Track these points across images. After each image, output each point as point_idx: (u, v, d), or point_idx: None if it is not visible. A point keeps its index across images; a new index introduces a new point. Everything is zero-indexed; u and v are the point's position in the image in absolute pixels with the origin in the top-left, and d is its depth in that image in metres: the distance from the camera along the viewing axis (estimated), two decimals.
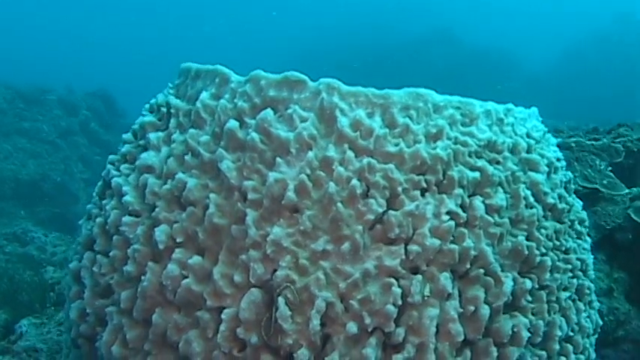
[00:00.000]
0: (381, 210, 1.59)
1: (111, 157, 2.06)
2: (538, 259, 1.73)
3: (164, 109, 1.94)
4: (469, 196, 1.70)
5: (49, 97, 11.16)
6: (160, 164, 1.81)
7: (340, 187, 1.60)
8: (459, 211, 1.65)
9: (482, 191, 1.72)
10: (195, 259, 1.62)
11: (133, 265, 1.70)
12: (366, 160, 1.63)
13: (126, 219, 1.75)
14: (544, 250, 1.75)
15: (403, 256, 1.58)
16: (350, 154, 1.64)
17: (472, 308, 1.61)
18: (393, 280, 1.56)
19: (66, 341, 2.11)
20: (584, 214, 2.01)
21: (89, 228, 1.94)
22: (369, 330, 1.54)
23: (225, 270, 1.60)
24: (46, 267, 5.26)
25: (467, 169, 1.70)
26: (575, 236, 1.92)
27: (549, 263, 1.74)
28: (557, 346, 1.75)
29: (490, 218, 1.68)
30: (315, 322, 1.51)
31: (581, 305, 1.86)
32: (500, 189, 1.73)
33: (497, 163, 1.77)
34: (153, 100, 2.06)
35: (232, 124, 1.70)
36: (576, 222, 1.94)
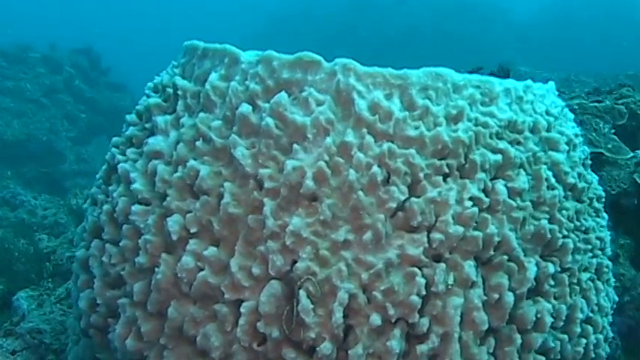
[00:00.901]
0: (402, 197, 1.54)
1: (115, 139, 1.98)
2: (560, 241, 1.70)
3: (170, 90, 1.85)
4: (491, 180, 1.65)
5: (31, 55, 10.91)
6: (169, 150, 1.74)
7: (360, 174, 1.55)
8: (482, 196, 1.60)
9: (504, 174, 1.67)
10: (211, 251, 1.57)
11: (144, 257, 1.64)
12: (386, 145, 1.57)
13: (135, 208, 1.69)
14: (566, 232, 1.72)
15: (426, 245, 1.54)
16: (369, 138, 1.57)
17: (496, 296, 1.57)
18: (416, 270, 1.52)
19: (73, 328, 2.07)
20: (601, 191, 1.97)
21: (96, 215, 1.87)
22: (393, 321, 1.51)
23: (243, 261, 1.55)
24: (40, 234, 5.19)
25: (488, 152, 1.65)
26: (594, 214, 1.88)
27: (571, 245, 1.71)
28: (578, 329, 1.73)
29: (513, 202, 1.64)
30: (338, 315, 1.48)
31: (600, 285, 1.84)
32: (522, 171, 1.68)
33: (518, 143, 1.72)
34: (157, 80, 1.98)
35: (245, 108, 1.62)
36: (595, 199, 1.90)
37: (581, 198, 1.83)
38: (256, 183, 1.59)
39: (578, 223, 1.78)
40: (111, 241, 1.78)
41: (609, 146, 3.29)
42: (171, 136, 1.75)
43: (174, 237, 1.60)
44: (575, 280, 1.74)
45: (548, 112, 1.82)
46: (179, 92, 1.79)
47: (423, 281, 1.51)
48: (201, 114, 1.70)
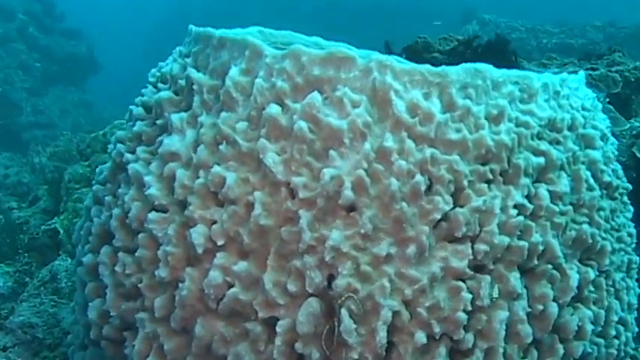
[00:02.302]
0: (447, 208, 1.45)
1: (120, 133, 1.83)
2: (599, 245, 1.64)
3: (182, 83, 1.70)
4: (533, 184, 1.57)
5: None
6: (187, 151, 1.60)
7: (401, 183, 1.45)
8: (526, 202, 1.53)
9: (545, 177, 1.59)
10: (242, 266, 1.46)
11: (165, 270, 1.53)
12: (428, 150, 1.47)
13: (153, 215, 1.56)
14: (604, 235, 1.67)
15: (470, 256, 1.47)
16: (410, 143, 1.47)
17: (540, 307, 1.52)
18: (461, 284, 1.45)
19: (77, 332, 1.95)
20: (626, 182, 1.91)
21: (104, 218, 1.74)
22: (437, 338, 1.44)
23: (277, 277, 1.45)
24: (9, 202, 4.96)
25: (531, 155, 1.56)
26: (624, 209, 1.83)
27: (609, 248, 1.66)
28: (613, 331, 1.70)
29: (555, 207, 1.57)
30: (382, 335, 1.40)
31: (630, 282, 1.81)
32: (563, 173, 1.60)
33: (558, 143, 1.64)
34: (165, 69, 1.82)
35: (274, 109, 1.49)
36: (624, 194, 1.85)
37: (614, 195, 1.78)
38: (288, 191, 1.48)
39: (613, 223, 1.73)
40: (124, 249, 1.65)
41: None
42: (188, 136, 1.61)
43: (200, 250, 1.49)
44: (610, 282, 1.70)
45: (584, 107, 1.74)
46: (195, 87, 1.64)
47: (469, 296, 1.44)
48: (224, 113, 1.56)
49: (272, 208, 1.48)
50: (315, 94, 1.48)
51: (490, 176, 1.50)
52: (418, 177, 1.44)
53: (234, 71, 1.58)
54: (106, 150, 4.35)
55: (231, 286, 1.47)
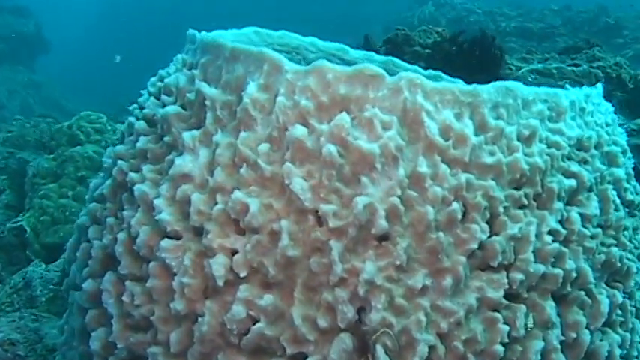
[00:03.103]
0: (484, 237, 1.39)
1: (120, 148, 1.70)
2: (626, 267, 1.61)
3: (190, 96, 1.59)
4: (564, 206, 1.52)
5: None
6: (200, 172, 1.49)
7: (436, 211, 1.38)
8: (559, 227, 1.48)
9: (575, 199, 1.55)
10: (268, 300, 1.37)
11: (181, 302, 1.42)
12: (464, 176, 1.40)
13: (165, 243, 1.45)
14: (629, 255, 1.64)
15: (506, 286, 1.41)
16: (444, 168, 1.40)
17: (573, 335, 1.48)
18: (497, 315, 1.40)
19: (70, 358, 1.83)
20: None
21: (106, 242, 1.62)
22: None
23: (306, 311, 1.37)
24: None
25: (563, 177, 1.51)
26: None
27: (634, 269, 1.63)
28: (635, 352, 1.68)
29: (586, 231, 1.53)
30: None
31: None
32: (592, 195, 1.56)
33: (585, 162, 1.59)
34: (168, 80, 1.69)
35: (300, 131, 1.40)
36: None
37: (634, 212, 1.75)
38: (315, 219, 1.39)
39: (635, 242, 1.70)
40: (131, 277, 1.54)
41: None
42: (202, 156, 1.50)
43: (220, 282, 1.39)
44: (633, 302, 1.67)
45: (606, 123, 1.70)
46: (207, 102, 1.52)
47: (506, 328, 1.38)
48: (243, 134, 1.45)
49: (298, 238, 1.39)
50: (344, 115, 1.39)
51: (525, 201, 1.44)
52: (455, 205, 1.37)
53: (252, 87, 1.47)
54: (73, 143, 4.18)
55: (254, 320, 1.38)
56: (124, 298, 1.52)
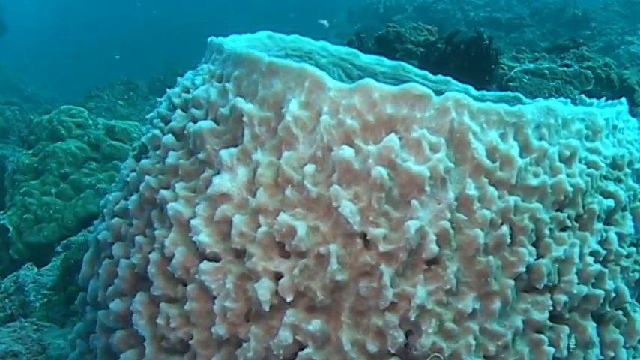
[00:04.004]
0: (532, 260, 1.39)
1: (145, 163, 1.65)
2: None
3: (224, 111, 1.54)
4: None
5: None
6: (239, 191, 1.45)
7: (485, 234, 1.37)
8: (599, 248, 1.49)
9: (612, 219, 1.56)
10: (316, 325, 1.34)
11: (223, 327, 1.39)
12: (512, 199, 1.39)
13: (205, 266, 1.41)
14: None
15: (550, 307, 1.42)
16: (492, 191, 1.39)
17: (612, 354, 1.50)
18: (543, 337, 1.40)
19: None
20: None
21: (135, 260, 1.56)
22: None
23: (354, 335, 1.35)
24: None
25: (602, 198, 1.52)
26: None
27: None
28: None
29: (622, 250, 1.54)
30: None
31: None
32: (627, 214, 1.58)
33: (619, 181, 1.60)
34: (197, 92, 1.64)
35: (348, 153, 1.37)
36: None
37: None
38: (363, 243, 1.36)
39: None
40: (165, 299, 1.49)
41: None
42: (241, 175, 1.46)
43: (266, 307, 1.35)
44: None
45: (635, 140, 1.71)
46: (245, 119, 1.48)
47: (551, 350, 1.39)
48: (286, 153, 1.41)
49: (346, 261, 1.36)
50: (393, 136, 1.37)
51: (568, 223, 1.45)
52: (504, 229, 1.37)
53: (293, 105, 1.43)
54: (54, 138, 4.05)
55: (301, 344, 1.36)
56: (159, 320, 1.47)
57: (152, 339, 1.50)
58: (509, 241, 1.37)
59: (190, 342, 1.44)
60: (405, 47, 3.73)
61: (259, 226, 1.40)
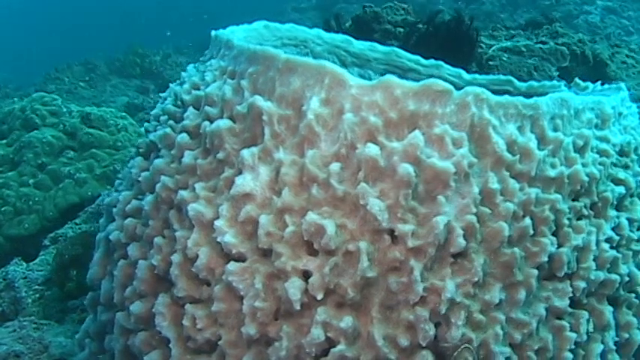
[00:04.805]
0: (554, 249, 1.43)
1: (159, 162, 1.63)
2: None
3: (241, 109, 1.52)
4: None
5: None
6: (262, 191, 1.45)
7: (509, 226, 1.40)
8: (613, 234, 1.54)
9: (622, 205, 1.61)
10: (348, 322, 1.36)
11: (253, 327, 1.40)
12: (533, 191, 1.43)
13: (232, 267, 1.41)
14: None
15: (570, 294, 1.46)
16: (513, 184, 1.42)
17: (626, 335, 1.56)
18: (565, 323, 1.45)
19: None
20: None
21: (154, 262, 1.55)
22: None
23: (385, 330, 1.38)
24: None
25: (614, 185, 1.57)
26: None
27: None
28: None
29: (633, 235, 1.60)
30: None
31: None
32: (636, 199, 1.63)
33: (627, 167, 1.65)
34: (209, 89, 1.62)
35: (373, 150, 1.38)
36: None
37: None
38: (391, 239, 1.38)
39: None
40: (189, 300, 1.49)
41: None
42: (263, 174, 1.46)
43: (297, 306, 1.37)
44: None
45: (638, 125, 1.76)
46: (264, 118, 1.47)
47: (573, 335, 1.44)
48: (310, 152, 1.42)
49: (375, 258, 1.38)
50: (418, 133, 1.38)
51: (585, 212, 1.49)
52: (527, 221, 1.40)
53: (314, 103, 1.43)
54: (28, 127, 3.95)
55: (332, 341, 1.37)
56: (185, 322, 1.47)
57: (177, 340, 1.50)
58: (532, 232, 1.40)
59: (219, 343, 1.44)
60: (383, 27, 3.73)
61: (286, 226, 1.40)
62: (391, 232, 1.38)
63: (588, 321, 1.48)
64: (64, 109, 4.05)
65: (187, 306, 1.48)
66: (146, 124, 1.93)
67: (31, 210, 3.59)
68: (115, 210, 1.77)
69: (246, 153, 1.46)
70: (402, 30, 3.67)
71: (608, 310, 1.50)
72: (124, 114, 4.27)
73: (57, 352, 2.22)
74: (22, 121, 3.93)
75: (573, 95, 1.55)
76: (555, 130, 1.50)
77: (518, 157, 1.43)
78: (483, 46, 3.60)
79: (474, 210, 1.38)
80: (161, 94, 1.89)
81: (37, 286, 2.72)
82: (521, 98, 1.47)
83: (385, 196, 1.38)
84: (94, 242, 2.41)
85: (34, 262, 2.87)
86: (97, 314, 1.84)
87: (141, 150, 1.81)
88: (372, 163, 1.38)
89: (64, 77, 9.46)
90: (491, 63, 3.39)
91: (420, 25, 3.54)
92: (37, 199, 3.60)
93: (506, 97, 1.46)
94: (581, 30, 8.81)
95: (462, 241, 1.35)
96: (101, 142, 3.89)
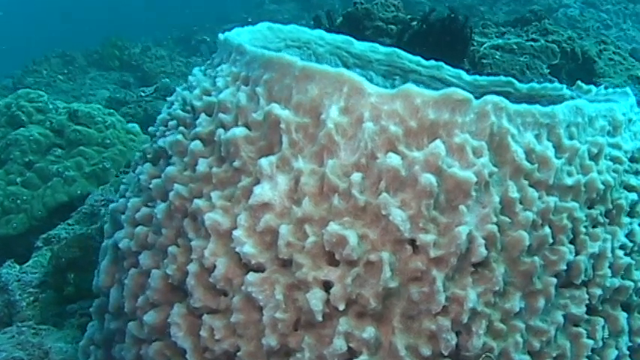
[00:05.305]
0: (572, 258, 1.44)
1: (171, 170, 1.60)
2: None
3: (256, 117, 1.51)
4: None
5: None
6: (280, 200, 1.44)
7: (529, 235, 1.41)
8: (627, 241, 1.55)
9: (634, 212, 1.62)
10: (370, 333, 1.36)
11: (274, 338, 1.39)
12: (551, 199, 1.44)
13: (252, 277, 1.40)
14: None
15: (587, 301, 1.48)
16: (532, 192, 1.43)
17: (639, 340, 1.58)
18: (582, 330, 1.47)
19: None
20: None
21: (169, 271, 1.53)
22: None
23: (407, 340, 1.38)
24: None
25: (627, 192, 1.58)
26: None
27: None
28: None
29: None
30: None
31: None
32: None
33: (638, 173, 1.67)
34: (222, 96, 1.60)
35: (395, 160, 1.37)
36: None
37: None
38: (412, 248, 1.38)
39: None
40: (206, 310, 1.48)
41: None
42: (281, 184, 1.44)
43: (319, 317, 1.36)
44: None
45: None
46: (282, 126, 1.46)
47: (590, 342, 1.46)
48: (330, 161, 1.41)
49: (396, 268, 1.38)
50: (439, 143, 1.38)
51: (600, 220, 1.50)
52: (547, 229, 1.41)
53: (333, 112, 1.42)
54: (14, 124, 3.87)
55: (354, 352, 1.37)
56: (202, 333, 1.46)
57: (193, 351, 1.48)
58: (551, 241, 1.41)
59: (238, 354, 1.43)
60: (374, 25, 3.72)
61: (306, 236, 1.39)
62: (412, 242, 1.38)
63: (604, 327, 1.50)
64: (51, 106, 3.98)
65: (205, 317, 1.46)
66: (151, 128, 1.90)
67: (19, 209, 3.53)
68: (123, 217, 1.74)
69: (264, 162, 1.44)
70: (393, 27, 3.66)
71: (622, 316, 1.52)
72: (111, 110, 4.21)
73: (58, 359, 2.19)
74: (8, 118, 3.85)
75: (587, 103, 1.56)
76: (571, 138, 1.51)
77: (536, 165, 1.44)
78: (475, 43, 3.62)
79: (495, 219, 1.38)
80: (168, 98, 1.86)
81: (31, 289, 2.68)
82: (538, 107, 1.48)
83: (407, 206, 1.38)
84: (91, 245, 2.39)
85: (28, 264, 2.82)
86: (103, 322, 1.81)
87: (149, 156, 1.78)
88: (393, 173, 1.37)
89: (42, 70, 9.30)
90: (484, 61, 3.41)
91: (414, 23, 3.54)
92: (25, 197, 3.54)
93: (524, 106, 1.47)
94: (562, 23, 8.88)
95: (483, 251, 1.36)
96: (89, 139, 3.83)
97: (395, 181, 1.38)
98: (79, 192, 3.58)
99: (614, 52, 4.17)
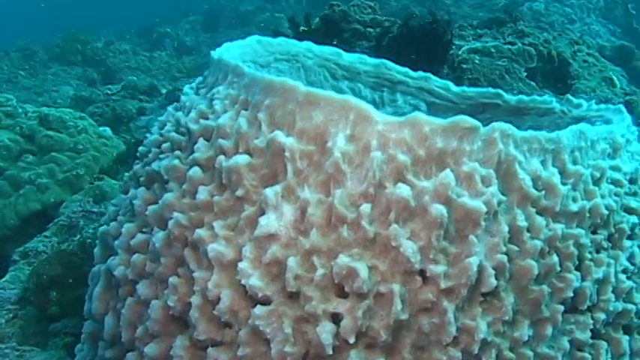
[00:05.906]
0: (578, 284, 1.45)
1: (169, 197, 1.55)
2: None
3: (258, 143, 1.47)
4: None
5: None
6: (287, 231, 1.41)
7: (537, 263, 1.41)
8: (628, 264, 1.57)
9: (634, 234, 1.64)
10: None
11: None
12: (558, 227, 1.44)
13: (260, 311, 1.37)
14: None
15: (592, 326, 1.49)
16: (540, 220, 1.43)
17: None
18: (587, 355, 1.48)
19: None
20: None
21: (171, 302, 1.49)
22: None
23: None
24: None
25: (628, 215, 1.59)
26: None
27: None
28: None
29: None
30: None
31: None
32: None
33: (635, 195, 1.68)
34: (221, 121, 1.55)
35: (405, 191, 1.35)
36: None
37: None
38: (422, 280, 1.37)
39: None
40: (211, 343, 1.44)
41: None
42: (287, 214, 1.41)
43: (329, 350, 1.34)
44: None
45: None
46: (287, 154, 1.42)
47: None
48: (338, 191, 1.38)
49: (406, 299, 1.36)
50: (449, 172, 1.37)
51: (604, 245, 1.51)
52: (555, 258, 1.41)
53: (340, 140, 1.40)
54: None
55: None
56: None
57: None
58: (559, 269, 1.41)
59: None
60: (352, 27, 3.69)
61: (314, 268, 1.37)
62: (422, 273, 1.36)
63: (607, 351, 1.51)
64: (20, 110, 3.85)
65: (210, 350, 1.43)
66: (142, 148, 1.85)
67: None
68: (117, 243, 1.68)
69: (269, 192, 1.41)
70: (371, 30, 3.64)
71: (624, 339, 1.54)
72: (83, 114, 4.10)
73: None
74: None
75: (589, 126, 1.56)
76: (575, 162, 1.51)
77: (543, 192, 1.44)
78: (454, 47, 3.62)
79: (504, 249, 1.38)
80: (159, 117, 1.80)
81: (10, 306, 2.59)
82: (544, 133, 1.47)
83: (416, 236, 1.36)
84: (74, 262, 2.33)
85: (5, 279, 2.73)
86: (95, 348, 1.76)
87: (141, 179, 1.73)
88: (403, 204, 1.35)
89: (3, 65, 9.02)
90: (464, 66, 3.41)
91: (394, 29, 3.52)
92: None
93: (530, 132, 1.46)
94: (527, 18, 8.95)
95: (493, 281, 1.35)
96: (61, 145, 3.72)
97: (404, 212, 1.36)
98: (52, 200, 3.48)
99: (587, 54, 4.22)
